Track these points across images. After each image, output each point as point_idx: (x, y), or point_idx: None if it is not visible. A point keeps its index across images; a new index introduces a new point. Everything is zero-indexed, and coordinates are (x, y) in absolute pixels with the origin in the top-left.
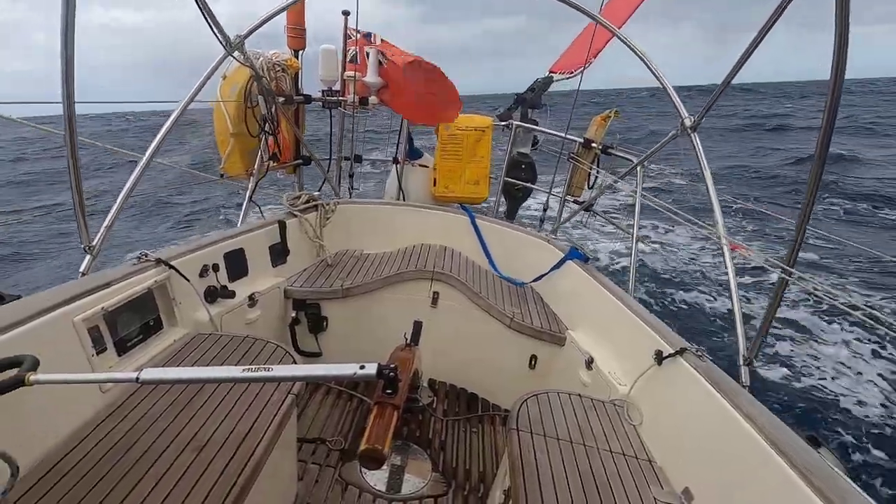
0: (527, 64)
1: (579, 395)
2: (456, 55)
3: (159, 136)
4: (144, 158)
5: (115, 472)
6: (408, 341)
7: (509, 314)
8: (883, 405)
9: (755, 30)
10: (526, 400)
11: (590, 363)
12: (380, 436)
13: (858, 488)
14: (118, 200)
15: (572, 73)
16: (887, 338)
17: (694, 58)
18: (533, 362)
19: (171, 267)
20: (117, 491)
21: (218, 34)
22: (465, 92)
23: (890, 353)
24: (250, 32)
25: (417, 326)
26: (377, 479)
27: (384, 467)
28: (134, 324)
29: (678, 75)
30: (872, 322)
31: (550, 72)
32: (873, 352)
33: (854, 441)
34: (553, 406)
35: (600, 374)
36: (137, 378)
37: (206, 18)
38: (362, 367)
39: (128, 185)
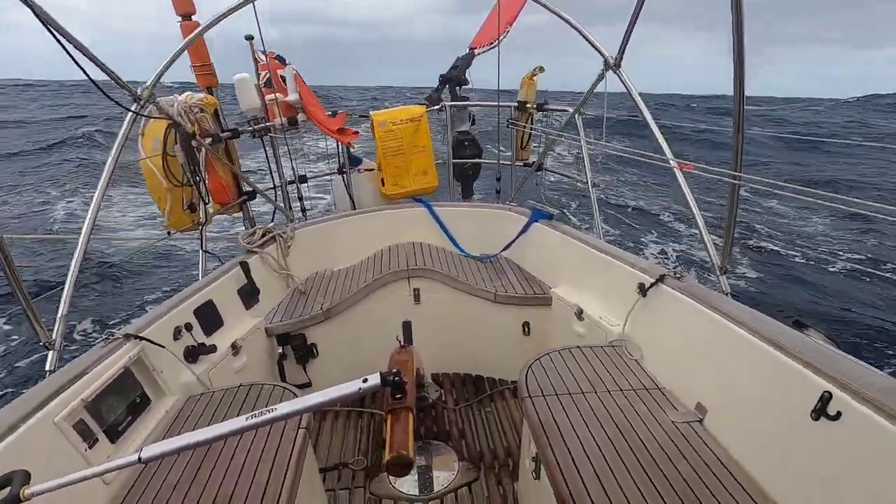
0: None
1: (578, 346)
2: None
3: (92, 208)
4: (82, 237)
5: None
6: (401, 343)
7: (492, 289)
8: (849, 270)
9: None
10: (530, 366)
11: (580, 314)
12: (402, 442)
13: (850, 356)
14: (67, 286)
15: (491, 44)
16: (836, 213)
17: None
18: (526, 329)
19: (143, 338)
20: None
21: (126, 95)
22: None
23: (841, 223)
24: (153, 84)
25: (407, 326)
26: (408, 484)
27: (412, 472)
28: (120, 406)
29: (708, 84)
30: (821, 202)
31: (470, 48)
32: (828, 223)
33: (836, 311)
34: (557, 365)
35: (592, 321)
36: (139, 458)
37: (103, 81)
38: (365, 381)
39: (72, 268)
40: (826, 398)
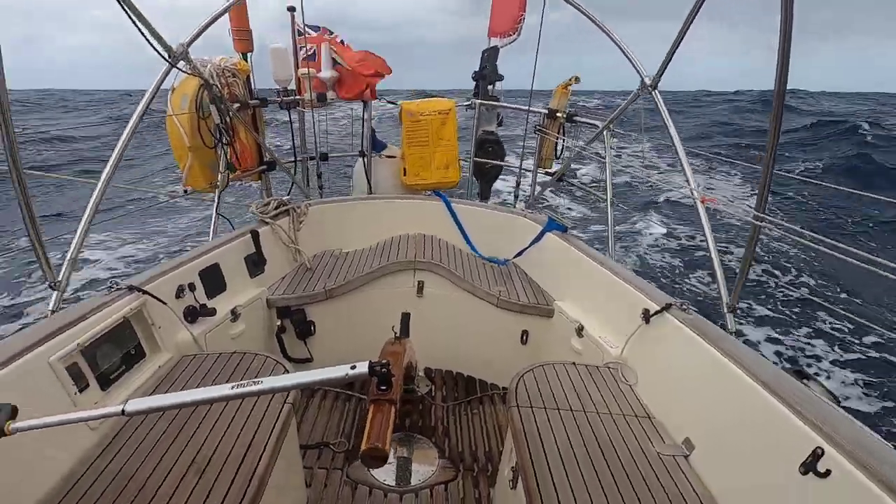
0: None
1: (573, 363)
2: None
3: (113, 156)
4: (101, 182)
5: None
6: (397, 334)
7: (495, 293)
8: (861, 329)
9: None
10: (522, 375)
11: (580, 331)
12: (380, 434)
13: (849, 415)
14: (79, 229)
15: (510, 34)
16: (858, 269)
17: (750, 61)
18: (524, 337)
19: (146, 292)
20: None
21: (158, 47)
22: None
23: (864, 283)
24: (192, 40)
25: (405, 318)
26: (386, 473)
27: (391, 461)
28: (114, 355)
29: (733, 80)
30: (842, 257)
31: (490, 38)
32: (840, 285)
33: (840, 369)
34: (549, 378)
35: (591, 340)
36: (123, 411)
37: (141, 32)
38: (353, 368)
39: (86, 213)
40: (818, 454)
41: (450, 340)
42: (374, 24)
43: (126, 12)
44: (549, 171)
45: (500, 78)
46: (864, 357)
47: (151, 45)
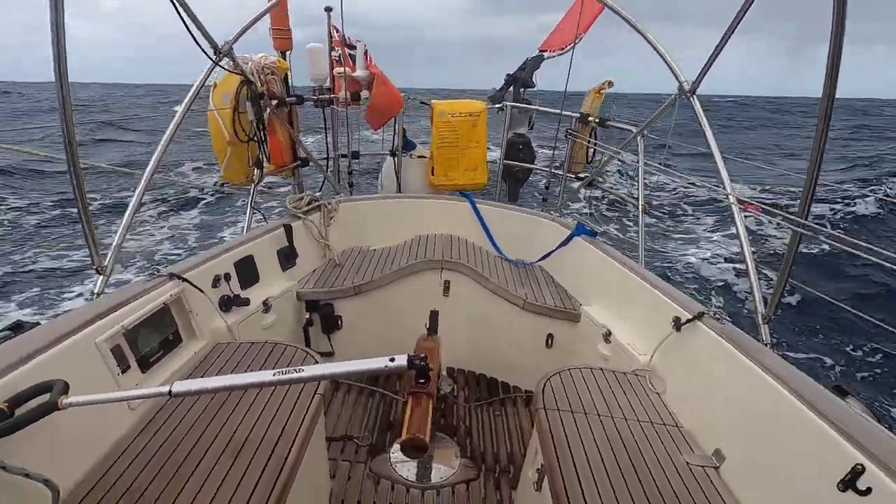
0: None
1: (601, 368)
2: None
3: (159, 149)
4: (146, 173)
5: (156, 483)
6: (428, 331)
7: (522, 295)
8: None
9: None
10: (549, 378)
11: (608, 336)
12: (420, 425)
13: (889, 432)
14: (125, 218)
15: (563, 49)
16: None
17: (770, 68)
18: (550, 341)
19: (185, 280)
20: (161, 501)
21: (203, 45)
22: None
23: None
24: (236, 38)
25: (434, 316)
26: (407, 470)
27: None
28: (154, 340)
29: (752, 86)
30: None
31: (540, 50)
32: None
33: (881, 387)
34: (576, 382)
35: (619, 346)
36: (170, 392)
37: (188, 30)
38: (392, 360)
39: (133, 202)
40: (858, 471)
41: (474, 341)
42: (375, 25)
43: (176, 9)
44: (580, 175)
45: (533, 86)
46: None
47: (197, 44)
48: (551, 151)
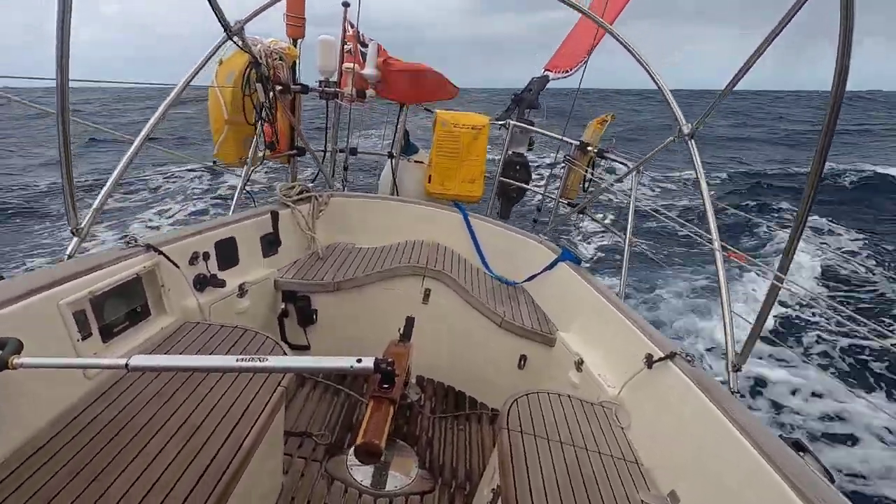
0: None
1: (569, 396)
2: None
3: (154, 118)
4: (137, 140)
5: (102, 456)
6: (401, 336)
7: (500, 313)
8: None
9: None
10: (516, 399)
11: (580, 364)
12: (377, 430)
13: (843, 496)
14: (108, 183)
15: (568, 71)
16: (872, 346)
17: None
18: (522, 362)
19: (161, 253)
20: (105, 475)
21: (219, 17)
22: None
23: (877, 358)
24: (251, 17)
25: (410, 322)
26: (363, 474)
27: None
28: (120, 310)
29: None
30: (863, 330)
31: (545, 70)
32: (858, 360)
33: (842, 447)
34: (543, 406)
35: (590, 375)
36: (127, 364)
37: (210, 3)
38: (359, 361)
39: (119, 167)
40: None
41: (447, 352)
42: (375, 24)
43: None
44: (573, 201)
45: (538, 107)
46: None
47: (216, 14)
48: (547, 173)
